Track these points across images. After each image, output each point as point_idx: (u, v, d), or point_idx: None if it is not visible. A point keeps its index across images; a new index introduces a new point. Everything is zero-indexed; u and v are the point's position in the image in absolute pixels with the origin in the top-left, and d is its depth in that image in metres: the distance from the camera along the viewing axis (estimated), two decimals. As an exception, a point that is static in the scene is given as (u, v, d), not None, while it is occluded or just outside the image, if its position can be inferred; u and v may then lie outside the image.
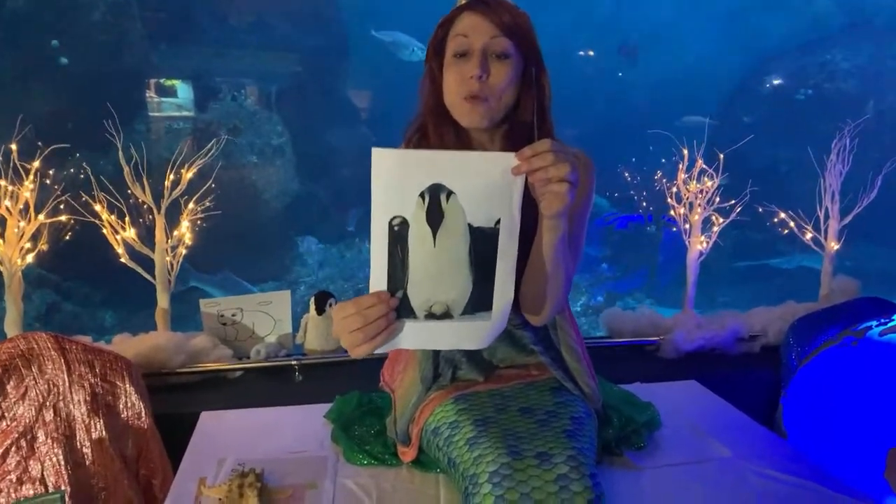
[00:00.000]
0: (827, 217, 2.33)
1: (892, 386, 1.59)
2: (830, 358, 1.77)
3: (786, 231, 2.43)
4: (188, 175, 1.96)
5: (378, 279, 1.04)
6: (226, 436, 1.58)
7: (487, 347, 1.34)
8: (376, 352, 1.08)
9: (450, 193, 1.01)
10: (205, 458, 1.46)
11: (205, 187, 1.95)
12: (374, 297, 1.04)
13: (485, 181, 1.02)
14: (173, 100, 6.67)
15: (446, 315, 1.08)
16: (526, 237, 1.10)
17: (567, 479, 1.07)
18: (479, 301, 1.08)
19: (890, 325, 1.72)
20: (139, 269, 1.98)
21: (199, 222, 2.08)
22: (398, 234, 1.02)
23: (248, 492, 1.26)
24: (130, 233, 1.96)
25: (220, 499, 1.27)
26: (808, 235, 2.36)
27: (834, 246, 2.33)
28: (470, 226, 1.03)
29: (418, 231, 1.02)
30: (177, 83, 6.73)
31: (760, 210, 2.37)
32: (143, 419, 1.62)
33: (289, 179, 6.66)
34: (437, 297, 1.06)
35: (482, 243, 1.05)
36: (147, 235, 2.03)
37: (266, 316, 2.14)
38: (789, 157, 6.02)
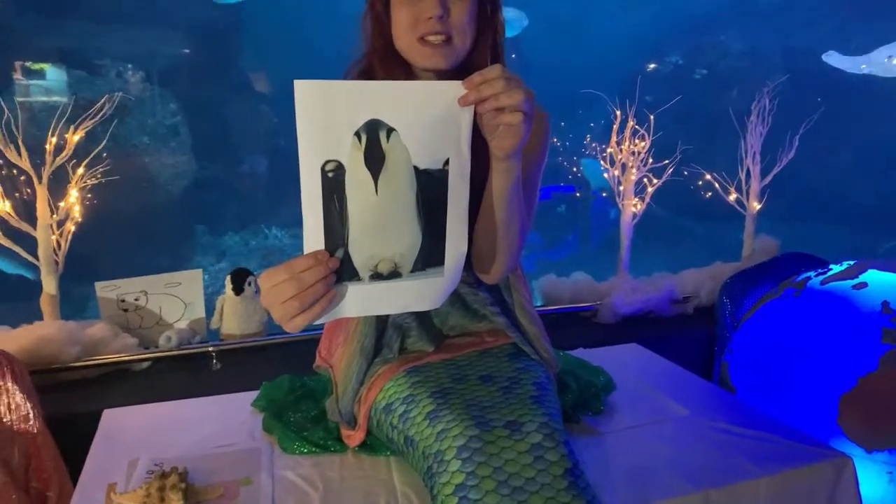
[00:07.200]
0: (748, 178, 2.37)
1: (838, 332, 1.63)
2: (772, 310, 1.79)
3: (709, 194, 2.46)
4: (75, 138, 1.69)
5: (313, 237, 0.90)
6: (136, 434, 1.39)
7: (438, 314, 1.26)
8: (316, 322, 0.93)
9: (390, 131, 0.88)
10: (112, 460, 1.27)
11: (98, 147, 1.68)
12: (309, 259, 0.89)
13: (430, 115, 0.90)
14: (46, 80, 6.00)
15: (394, 274, 0.95)
16: (476, 187, 1.00)
17: (541, 449, 0.99)
18: (431, 255, 0.97)
19: (829, 273, 1.76)
20: (18, 249, 1.69)
21: (88, 197, 1.81)
22: (333, 182, 0.87)
23: (171, 494, 1.08)
24: (5, 206, 1.67)
25: (135, 506, 1.08)
26: (732, 196, 2.41)
27: (756, 206, 2.39)
28: (416, 168, 0.91)
29: (356, 177, 0.88)
30: (53, 59, 6.07)
31: (686, 173, 2.38)
32: (32, 423, 1.42)
33: (185, 162, 6.22)
34: (383, 253, 0.94)
35: (430, 188, 0.93)
36: (26, 210, 1.75)
37: (175, 299, 1.95)
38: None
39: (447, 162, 0.92)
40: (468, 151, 0.93)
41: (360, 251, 0.92)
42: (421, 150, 0.90)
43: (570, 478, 0.96)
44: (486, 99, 0.89)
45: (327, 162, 0.87)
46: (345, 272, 0.92)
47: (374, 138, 0.87)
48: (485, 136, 0.95)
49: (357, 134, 0.87)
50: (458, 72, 1.16)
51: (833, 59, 5.98)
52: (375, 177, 0.89)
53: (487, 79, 0.89)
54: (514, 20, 7.49)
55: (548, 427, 1.01)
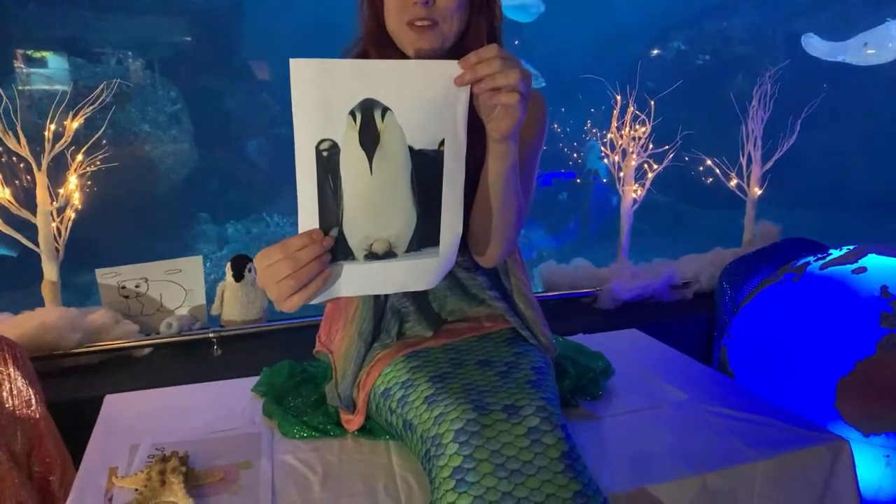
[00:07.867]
0: (749, 163, 2.36)
1: (836, 317, 1.63)
2: (772, 295, 1.79)
3: (710, 180, 2.45)
4: (74, 125, 1.68)
5: (308, 217, 0.89)
6: (137, 419, 1.40)
7: (436, 299, 1.26)
8: (312, 302, 0.93)
9: (385, 110, 0.88)
10: (114, 445, 1.28)
11: (97, 135, 1.68)
12: (304, 238, 0.89)
13: (425, 95, 0.89)
14: (46, 68, 5.97)
15: (389, 254, 0.95)
16: (473, 170, 1.00)
17: (538, 432, 0.99)
18: (425, 235, 0.96)
19: (828, 258, 1.76)
20: (19, 236, 1.70)
21: (90, 185, 1.81)
22: (328, 161, 0.87)
23: (172, 478, 1.09)
24: (5, 193, 1.67)
25: (136, 489, 1.09)
26: (733, 182, 2.40)
27: (757, 191, 2.38)
28: (411, 148, 0.91)
29: (351, 156, 0.88)
30: (52, 47, 6.04)
31: (687, 159, 2.37)
32: (34, 408, 1.42)
33: (186, 149, 6.21)
34: (378, 233, 0.94)
35: (425, 169, 0.92)
36: (26, 198, 1.74)
37: (175, 286, 1.95)
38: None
39: (442, 143, 0.92)
40: (464, 132, 0.93)
41: (355, 231, 0.92)
42: (416, 130, 0.90)
43: (566, 461, 0.96)
44: (482, 79, 0.89)
45: (322, 141, 0.86)
46: (339, 252, 0.92)
47: (368, 117, 0.87)
48: (481, 117, 0.94)
49: (352, 113, 0.86)
50: (452, 55, 1.16)
51: (811, 44, 5.78)
52: (370, 156, 0.89)
53: (483, 58, 0.88)
54: (530, 6, 7.36)
55: (545, 411, 1.01)
